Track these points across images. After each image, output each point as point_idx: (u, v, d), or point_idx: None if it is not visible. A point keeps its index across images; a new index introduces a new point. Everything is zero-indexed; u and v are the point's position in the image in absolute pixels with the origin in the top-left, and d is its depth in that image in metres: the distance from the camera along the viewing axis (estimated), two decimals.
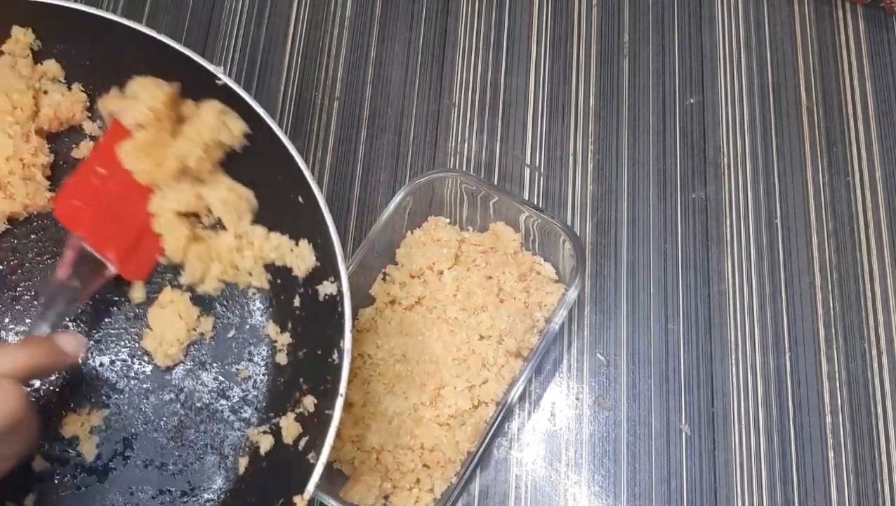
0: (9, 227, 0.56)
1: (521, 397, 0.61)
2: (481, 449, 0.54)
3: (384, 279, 0.61)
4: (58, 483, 0.52)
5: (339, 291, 0.49)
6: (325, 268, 0.51)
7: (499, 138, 0.68)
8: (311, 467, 0.46)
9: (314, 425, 0.49)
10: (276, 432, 0.52)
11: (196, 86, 0.53)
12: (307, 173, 0.50)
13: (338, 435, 0.47)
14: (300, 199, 0.51)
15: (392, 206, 0.59)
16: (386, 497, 0.56)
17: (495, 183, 0.67)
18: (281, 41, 0.71)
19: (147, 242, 0.54)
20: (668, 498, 0.58)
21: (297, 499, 0.46)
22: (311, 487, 0.45)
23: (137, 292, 0.55)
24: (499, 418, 0.55)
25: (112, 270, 0.53)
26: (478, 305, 0.59)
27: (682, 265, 0.64)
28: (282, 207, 0.53)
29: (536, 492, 0.59)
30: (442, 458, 0.55)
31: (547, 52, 0.71)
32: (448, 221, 0.63)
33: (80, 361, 0.53)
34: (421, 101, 0.70)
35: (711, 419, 0.60)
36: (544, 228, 0.60)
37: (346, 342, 0.47)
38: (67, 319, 0.53)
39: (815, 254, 0.65)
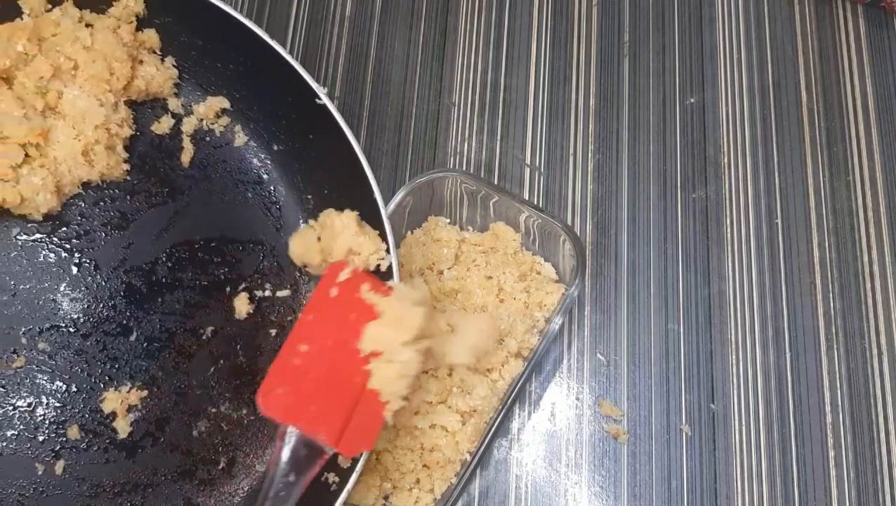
0: (80, 191, 0.56)
1: (521, 397, 0.61)
2: (481, 449, 0.55)
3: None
4: (88, 454, 0.53)
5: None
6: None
7: (499, 138, 0.68)
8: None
9: None
10: None
11: (293, 96, 0.54)
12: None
13: None
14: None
15: (392, 205, 0.59)
16: (386, 497, 0.56)
17: (495, 183, 0.67)
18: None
19: (364, 409, 0.48)
20: (668, 498, 0.58)
21: None
22: None
23: None
24: (499, 418, 0.55)
25: (329, 450, 0.48)
26: (478, 305, 0.59)
27: (682, 265, 0.64)
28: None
29: (536, 492, 0.59)
30: (442, 458, 0.55)
31: (547, 52, 0.71)
32: (448, 221, 0.63)
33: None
34: (421, 101, 0.69)
35: (711, 419, 0.60)
36: (544, 227, 0.60)
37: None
38: None
39: (816, 252, 0.65)
